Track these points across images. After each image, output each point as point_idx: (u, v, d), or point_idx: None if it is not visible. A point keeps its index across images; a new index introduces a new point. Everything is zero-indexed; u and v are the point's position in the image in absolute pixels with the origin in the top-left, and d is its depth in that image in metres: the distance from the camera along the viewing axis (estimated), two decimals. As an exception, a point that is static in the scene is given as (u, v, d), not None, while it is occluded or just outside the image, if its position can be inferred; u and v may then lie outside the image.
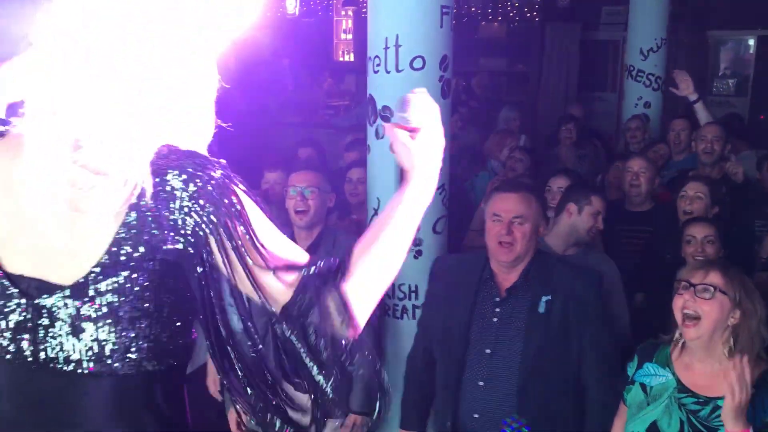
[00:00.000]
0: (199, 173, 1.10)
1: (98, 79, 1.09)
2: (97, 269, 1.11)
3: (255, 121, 6.48)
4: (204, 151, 1.20)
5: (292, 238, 2.88)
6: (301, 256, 1.20)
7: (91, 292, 1.11)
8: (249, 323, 1.17)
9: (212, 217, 1.10)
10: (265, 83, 7.48)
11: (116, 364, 1.14)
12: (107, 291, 1.11)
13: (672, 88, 4.35)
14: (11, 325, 1.15)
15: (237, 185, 1.14)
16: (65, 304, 1.12)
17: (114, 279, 1.11)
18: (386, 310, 3.19)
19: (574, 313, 2.31)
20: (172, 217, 1.10)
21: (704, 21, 8.41)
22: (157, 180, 1.09)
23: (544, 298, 2.32)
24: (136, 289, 1.12)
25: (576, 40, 9.08)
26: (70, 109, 1.09)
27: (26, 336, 1.15)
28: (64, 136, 1.09)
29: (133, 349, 1.14)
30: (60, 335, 1.14)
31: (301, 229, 2.93)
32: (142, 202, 1.09)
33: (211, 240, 1.11)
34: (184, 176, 1.10)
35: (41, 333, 1.14)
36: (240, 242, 1.12)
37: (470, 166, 5.78)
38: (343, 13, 10.62)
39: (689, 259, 2.94)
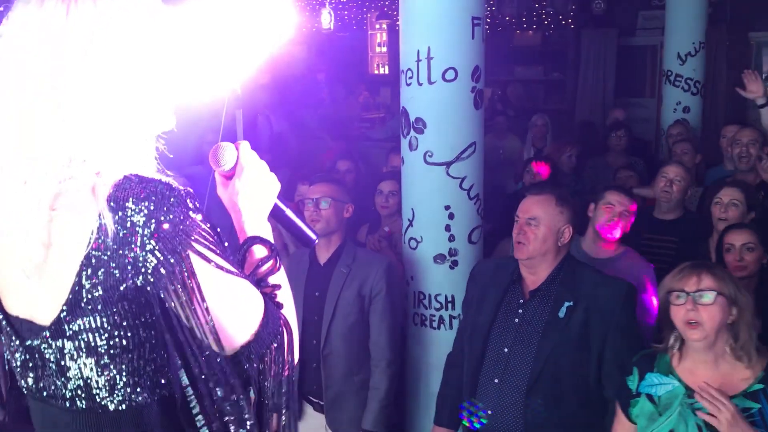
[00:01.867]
0: (159, 209, 1.04)
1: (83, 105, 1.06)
2: (66, 309, 1.08)
3: (291, 135, 6.56)
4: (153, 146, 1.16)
5: (313, 250, 2.92)
6: (252, 309, 1.15)
7: (68, 331, 1.10)
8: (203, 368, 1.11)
9: (171, 259, 1.04)
10: (301, 97, 7.59)
11: (105, 401, 1.13)
12: (81, 329, 1.09)
13: (738, 88, 4.16)
14: (18, 363, 1.19)
15: (198, 220, 1.08)
16: (49, 344, 1.12)
17: (85, 318, 1.08)
18: (423, 320, 3.20)
19: (595, 322, 2.33)
20: (131, 254, 1.04)
21: (745, 23, 8.25)
22: (117, 216, 1.03)
23: (566, 304, 2.36)
24: (107, 326, 1.08)
25: (613, 46, 8.98)
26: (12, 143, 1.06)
27: (30, 374, 1.18)
28: (16, 174, 1.06)
29: (120, 385, 1.12)
30: (51, 374, 1.14)
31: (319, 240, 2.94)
32: (99, 240, 1.04)
33: (170, 280, 1.06)
34: (144, 211, 1.03)
35: (39, 372, 1.16)
36: (185, 299, 1.07)
37: (511, 175, 5.78)
38: (377, 26, 10.71)
39: (730, 269, 2.88)
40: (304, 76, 8.46)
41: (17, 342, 1.16)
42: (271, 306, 1.18)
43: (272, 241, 1.28)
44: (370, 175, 5.08)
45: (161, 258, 1.04)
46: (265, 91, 6.32)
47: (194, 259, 1.06)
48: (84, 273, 1.05)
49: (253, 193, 1.28)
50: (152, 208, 1.04)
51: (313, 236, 1.39)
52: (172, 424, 1.17)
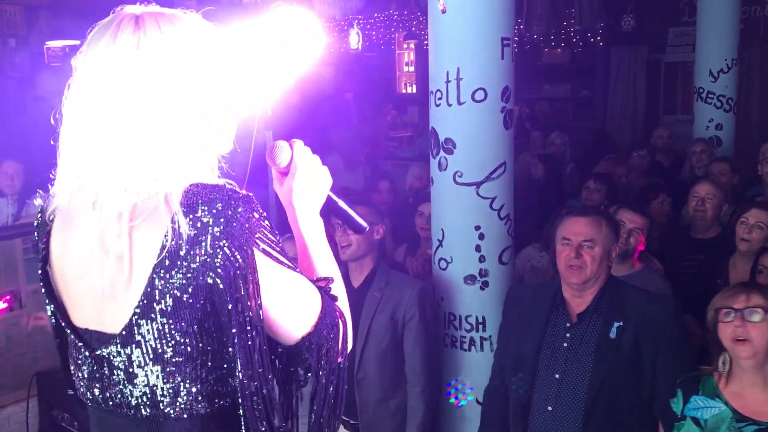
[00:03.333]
0: (227, 210, 1.11)
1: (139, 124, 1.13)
2: (137, 312, 1.14)
3: (321, 153, 6.59)
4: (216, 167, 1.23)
5: (346, 274, 2.90)
6: (311, 303, 1.22)
7: (137, 338, 1.16)
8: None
9: (237, 255, 1.11)
10: (330, 117, 7.64)
11: (168, 409, 1.18)
12: (150, 336, 1.15)
13: None
14: (85, 374, 1.25)
15: (261, 219, 1.15)
16: (118, 352, 1.18)
17: (154, 323, 1.14)
18: (453, 342, 3.17)
19: (645, 339, 2.29)
20: (203, 252, 1.10)
21: (779, 38, 8.14)
22: (189, 218, 1.10)
23: (615, 324, 2.31)
24: (176, 333, 1.14)
25: (643, 63, 8.92)
26: (91, 168, 1.14)
27: (97, 384, 1.23)
28: (91, 198, 1.15)
29: (182, 393, 1.17)
30: (119, 382, 1.20)
31: (352, 263, 2.95)
32: (172, 242, 1.10)
33: (235, 275, 1.12)
34: (213, 211, 1.10)
35: (105, 381, 1.22)
36: (243, 293, 1.13)
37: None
38: (405, 46, 10.78)
39: None
40: (332, 96, 8.52)
41: (86, 353, 1.23)
42: (327, 299, 1.26)
43: (321, 237, 1.36)
44: (403, 195, 5.10)
45: (229, 254, 1.10)
46: (295, 112, 6.38)
47: (258, 255, 1.13)
48: (157, 275, 1.12)
49: (306, 190, 1.34)
50: (220, 207, 1.11)
51: (365, 225, 1.46)
52: None
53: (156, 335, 1.14)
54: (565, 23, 9.17)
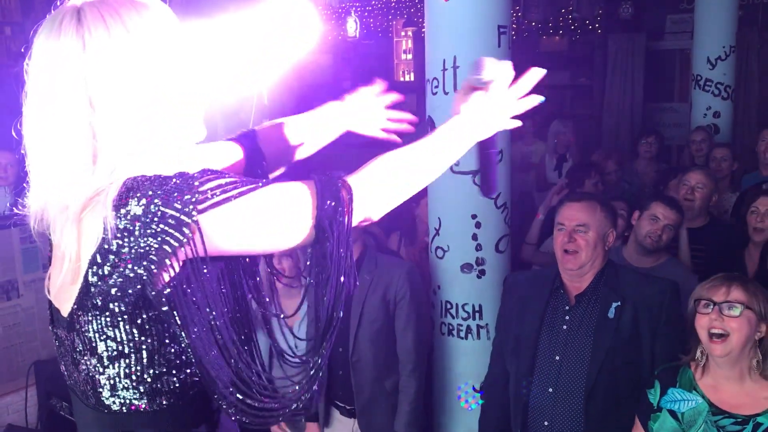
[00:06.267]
0: (158, 193, 1.07)
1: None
2: (75, 306, 1.15)
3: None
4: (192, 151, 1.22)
5: None
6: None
7: (77, 326, 1.17)
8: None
9: (184, 228, 1.07)
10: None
11: (108, 401, 1.19)
12: (87, 328, 1.15)
13: None
14: (56, 348, 1.28)
15: (198, 178, 1.10)
16: (66, 336, 1.20)
17: (88, 316, 1.14)
18: (450, 330, 3.18)
19: (644, 319, 2.31)
20: (133, 245, 1.07)
21: (777, 25, 8.10)
22: (120, 212, 1.07)
23: (614, 304, 2.33)
24: (106, 329, 1.14)
25: (641, 51, 8.88)
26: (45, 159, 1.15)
27: (62, 361, 1.27)
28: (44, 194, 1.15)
29: (119, 387, 1.17)
30: (69, 365, 1.23)
31: None
32: (104, 237, 1.07)
33: (186, 250, 1.08)
34: (144, 200, 1.06)
35: (66, 359, 1.24)
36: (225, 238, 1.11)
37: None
38: (402, 33, 10.73)
39: None
40: (330, 84, 8.50)
41: (50, 327, 1.26)
42: (326, 183, 1.18)
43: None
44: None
45: (165, 237, 1.06)
46: (292, 100, 6.36)
47: (206, 218, 1.08)
48: (90, 270, 1.10)
49: (483, 116, 1.35)
50: (150, 194, 1.06)
51: (496, 189, 1.49)
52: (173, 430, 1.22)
53: (92, 328, 1.15)
54: (563, 11, 9.13)
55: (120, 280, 1.09)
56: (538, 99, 1.41)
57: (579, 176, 4.23)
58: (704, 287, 2.09)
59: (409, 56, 10.73)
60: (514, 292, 2.60)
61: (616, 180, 4.87)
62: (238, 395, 1.18)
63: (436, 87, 3.02)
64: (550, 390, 2.36)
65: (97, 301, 1.12)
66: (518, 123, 1.43)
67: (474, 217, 3.05)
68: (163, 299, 1.10)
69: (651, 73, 8.94)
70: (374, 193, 1.23)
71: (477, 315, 3.13)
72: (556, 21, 9.26)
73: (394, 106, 1.77)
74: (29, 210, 1.20)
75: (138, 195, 1.07)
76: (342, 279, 1.22)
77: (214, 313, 1.14)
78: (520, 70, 1.42)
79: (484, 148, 1.44)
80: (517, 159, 5.85)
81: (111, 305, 1.12)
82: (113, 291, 1.11)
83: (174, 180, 1.09)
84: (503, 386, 2.55)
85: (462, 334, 3.16)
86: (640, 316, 2.31)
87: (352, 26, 8.05)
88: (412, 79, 10.56)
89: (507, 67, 1.37)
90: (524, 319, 2.47)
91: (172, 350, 1.18)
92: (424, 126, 3.22)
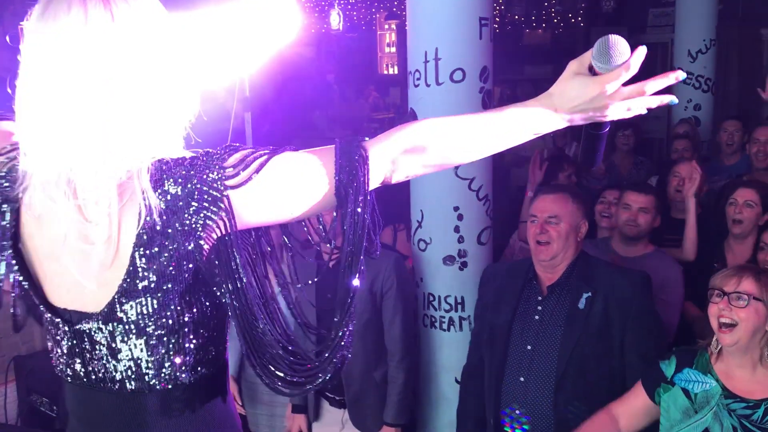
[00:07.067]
0: (191, 173, 1.13)
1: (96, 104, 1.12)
2: (120, 294, 1.15)
3: (301, 135, 6.58)
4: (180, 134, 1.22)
5: (319, 255, 2.92)
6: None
7: (119, 315, 1.17)
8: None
9: (219, 203, 1.12)
10: (312, 98, 7.60)
11: (153, 381, 1.21)
12: (133, 312, 1.16)
13: (760, 89, 4.11)
14: (65, 350, 1.25)
15: (223, 156, 1.15)
16: (99, 329, 1.19)
17: (137, 300, 1.15)
18: (432, 322, 3.20)
19: (614, 310, 2.34)
20: (177, 223, 1.12)
21: (757, 19, 8.17)
22: (158, 192, 1.12)
23: (585, 295, 2.36)
24: (158, 308, 1.16)
25: (623, 44, 8.94)
26: (60, 144, 1.12)
27: (78, 360, 1.24)
28: (59, 173, 1.13)
29: (167, 365, 1.20)
30: (102, 357, 1.21)
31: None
32: (148, 218, 1.12)
33: (220, 225, 1.14)
34: (180, 180, 1.13)
35: (87, 356, 1.22)
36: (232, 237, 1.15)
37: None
38: (386, 26, 10.72)
39: (764, 267, 2.85)
40: (313, 77, 8.48)
41: (65, 328, 1.23)
42: (344, 145, 1.19)
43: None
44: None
45: (206, 213, 1.12)
46: (275, 93, 6.34)
47: (238, 194, 1.13)
48: (137, 253, 1.13)
49: (596, 103, 1.26)
50: (185, 173, 1.13)
51: (598, 163, 1.35)
52: (220, 401, 1.28)
53: (138, 310, 1.16)
54: (546, 3, 9.17)
55: (172, 258, 1.13)
56: (669, 98, 1.27)
57: (552, 169, 4.26)
58: (717, 277, 2.14)
59: (393, 49, 10.73)
60: (491, 283, 2.63)
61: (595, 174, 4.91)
62: (291, 357, 1.23)
63: (418, 79, 3.02)
64: (522, 379, 2.39)
65: (149, 282, 1.14)
66: (643, 111, 1.27)
67: (456, 209, 3.06)
68: (215, 270, 1.16)
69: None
70: (397, 160, 1.23)
71: (459, 307, 3.14)
72: (539, 14, 9.30)
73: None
74: (17, 194, 1.18)
75: (173, 176, 1.13)
76: (365, 244, 1.27)
77: (253, 282, 1.21)
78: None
79: (596, 128, 1.30)
80: (509, 153, 5.86)
81: (164, 285, 1.15)
82: (168, 270, 1.14)
83: (201, 158, 1.15)
84: (481, 375, 2.57)
85: (444, 326, 3.17)
86: (611, 307, 2.34)
87: (336, 19, 8.02)
88: (396, 72, 10.56)
89: (641, 54, 1.22)
90: (499, 309, 2.51)
91: (214, 321, 1.24)
92: (406, 119, 3.23)
